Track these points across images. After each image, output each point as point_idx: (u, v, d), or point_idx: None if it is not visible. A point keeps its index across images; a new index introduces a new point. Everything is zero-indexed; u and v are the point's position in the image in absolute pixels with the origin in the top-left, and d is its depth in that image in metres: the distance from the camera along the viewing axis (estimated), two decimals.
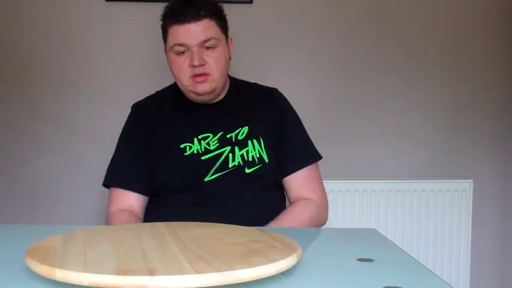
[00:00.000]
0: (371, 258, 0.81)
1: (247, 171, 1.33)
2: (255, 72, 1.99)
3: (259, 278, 0.63)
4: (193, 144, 1.34)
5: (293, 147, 1.41)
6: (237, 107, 1.42)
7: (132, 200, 1.35)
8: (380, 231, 1.02)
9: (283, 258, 0.67)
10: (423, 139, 2.08)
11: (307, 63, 2.04)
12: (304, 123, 1.48)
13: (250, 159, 1.33)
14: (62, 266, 0.63)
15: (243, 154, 1.34)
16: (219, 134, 1.36)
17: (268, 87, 1.50)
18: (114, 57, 1.99)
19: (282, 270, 0.66)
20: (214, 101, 1.40)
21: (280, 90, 1.51)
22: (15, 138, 2.00)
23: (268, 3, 2.01)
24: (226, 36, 1.38)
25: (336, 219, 2.01)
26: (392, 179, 2.03)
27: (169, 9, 1.33)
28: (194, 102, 1.40)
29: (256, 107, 1.42)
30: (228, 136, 1.36)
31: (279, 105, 1.45)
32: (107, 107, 1.98)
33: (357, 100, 2.06)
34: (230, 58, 1.40)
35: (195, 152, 1.33)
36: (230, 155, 1.33)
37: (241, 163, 1.33)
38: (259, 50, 2.02)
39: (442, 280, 0.72)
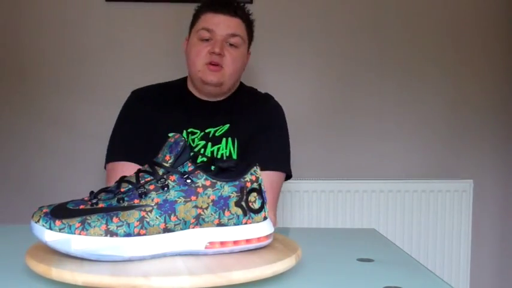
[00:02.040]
0: (371, 258, 0.80)
1: (212, 168, 1.25)
2: (255, 71, 1.98)
3: (253, 280, 0.63)
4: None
5: (264, 150, 1.33)
6: (227, 107, 1.39)
7: (133, 171, 1.20)
8: (380, 231, 1.01)
9: (279, 260, 0.66)
10: (423, 139, 2.08)
11: (307, 63, 2.03)
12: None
13: (219, 156, 1.30)
14: (59, 265, 0.62)
15: (213, 151, 1.30)
16: (203, 133, 1.34)
17: (266, 95, 1.47)
18: (114, 57, 1.99)
19: (278, 273, 0.65)
20: (214, 100, 1.39)
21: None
22: (17, 139, 1.99)
23: (268, 3, 2.00)
24: (249, 45, 1.41)
25: (336, 219, 2.00)
26: (392, 179, 2.02)
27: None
28: (195, 97, 1.38)
29: (246, 111, 1.39)
30: (207, 131, 1.33)
31: (269, 114, 1.41)
32: (109, 108, 1.97)
33: (357, 100, 2.05)
34: (244, 68, 1.41)
35: None
36: (202, 150, 1.30)
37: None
38: (258, 50, 2.02)
39: (442, 280, 0.71)
